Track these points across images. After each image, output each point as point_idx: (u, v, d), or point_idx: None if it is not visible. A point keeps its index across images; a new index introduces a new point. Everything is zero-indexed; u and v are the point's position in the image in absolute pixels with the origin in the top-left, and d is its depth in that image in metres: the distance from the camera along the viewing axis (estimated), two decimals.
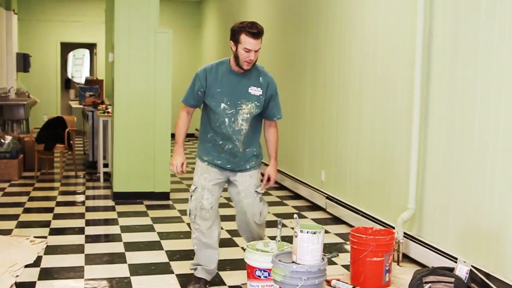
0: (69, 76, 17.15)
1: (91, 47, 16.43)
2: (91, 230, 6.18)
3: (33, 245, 5.52)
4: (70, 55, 17.09)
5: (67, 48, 16.19)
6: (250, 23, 3.97)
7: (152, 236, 5.98)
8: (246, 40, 3.93)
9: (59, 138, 9.09)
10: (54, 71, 15.11)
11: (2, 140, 8.93)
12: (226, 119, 4.08)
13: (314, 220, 6.76)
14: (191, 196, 4.23)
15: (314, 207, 7.34)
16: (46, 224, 6.38)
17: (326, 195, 7.05)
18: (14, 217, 6.65)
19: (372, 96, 5.97)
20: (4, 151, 8.81)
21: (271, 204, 7.48)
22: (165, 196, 7.60)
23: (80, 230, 6.17)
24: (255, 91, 4.11)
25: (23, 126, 11.50)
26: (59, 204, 7.40)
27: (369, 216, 5.96)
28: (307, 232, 3.50)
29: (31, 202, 7.48)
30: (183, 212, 6.89)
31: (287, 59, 8.50)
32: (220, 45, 12.88)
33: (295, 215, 3.82)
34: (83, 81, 15.35)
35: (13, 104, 10.84)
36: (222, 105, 4.06)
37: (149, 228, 6.27)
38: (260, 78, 4.17)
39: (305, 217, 6.90)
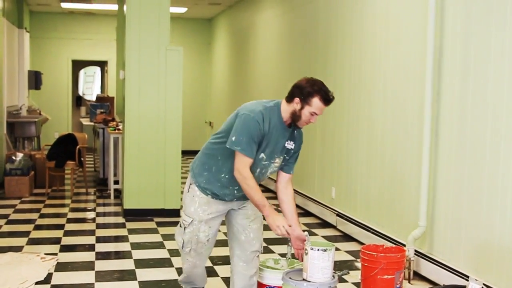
0: (80, 93, 17.24)
1: (102, 64, 16.53)
2: (101, 247, 6.19)
3: (43, 262, 5.53)
4: (81, 73, 17.20)
5: (78, 65, 16.29)
6: (325, 88, 3.58)
7: (162, 253, 5.98)
8: (318, 105, 3.54)
9: (70, 155, 9.13)
10: (65, 88, 15.19)
11: (14, 157, 8.97)
12: (258, 169, 3.69)
13: (324, 237, 6.74)
14: (184, 228, 3.78)
15: (325, 224, 7.32)
16: (56, 241, 6.39)
17: (336, 212, 7.03)
18: (25, 234, 6.67)
19: (383, 112, 5.96)
20: (16, 168, 8.86)
21: None
22: (175, 212, 7.59)
23: (91, 247, 6.17)
24: (289, 144, 3.73)
25: (35, 143, 11.55)
26: (69, 221, 7.42)
27: (379, 234, 5.93)
28: (318, 250, 3.47)
29: (42, 219, 7.50)
30: None
31: (297, 75, 8.48)
32: (231, 62, 12.93)
33: (305, 233, 3.80)
34: (94, 99, 15.42)
35: (25, 122, 10.90)
36: (262, 155, 3.64)
37: (159, 245, 6.26)
38: (295, 131, 3.77)
39: (315, 234, 6.87)
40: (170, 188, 7.60)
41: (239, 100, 11.95)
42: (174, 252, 5.97)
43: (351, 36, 6.69)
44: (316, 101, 3.52)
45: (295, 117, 3.59)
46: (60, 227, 7.06)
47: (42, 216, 7.68)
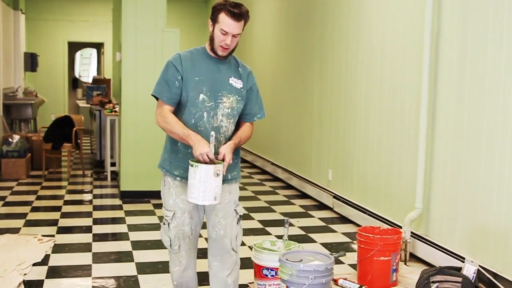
0: (77, 75, 17.20)
1: (98, 46, 16.47)
2: (98, 229, 6.20)
3: (41, 243, 5.54)
4: (78, 55, 17.15)
5: (74, 47, 16.24)
6: (234, 2, 3.31)
7: (159, 235, 5.97)
8: (224, 21, 3.27)
9: (66, 137, 9.11)
10: (61, 70, 15.15)
11: (10, 139, 8.96)
12: (205, 113, 3.35)
13: (321, 219, 6.76)
14: (168, 224, 3.49)
15: (321, 206, 7.34)
16: (54, 222, 6.40)
17: (333, 195, 7.04)
18: (22, 216, 6.68)
19: (380, 94, 5.96)
20: (12, 150, 8.85)
21: (278, 203, 7.51)
22: None
23: (88, 229, 6.19)
24: (236, 83, 3.43)
25: (31, 125, 11.53)
26: (66, 203, 7.43)
27: (376, 216, 5.95)
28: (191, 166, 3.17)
29: (39, 201, 7.50)
30: None
31: (295, 59, 8.50)
32: None
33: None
34: (90, 81, 15.40)
35: (21, 104, 10.87)
36: (201, 96, 3.34)
37: (156, 227, 6.27)
38: (240, 69, 3.49)
39: (312, 216, 6.90)
40: None
41: None
42: None
43: (348, 18, 6.67)
44: (222, 16, 3.26)
45: (211, 41, 3.35)
46: (57, 209, 7.06)
47: (39, 198, 7.68)
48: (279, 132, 9.16)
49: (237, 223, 3.56)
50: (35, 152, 9.49)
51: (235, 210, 3.54)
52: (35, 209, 7.04)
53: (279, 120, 9.12)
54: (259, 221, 6.57)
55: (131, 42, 7.41)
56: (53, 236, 5.85)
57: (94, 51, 17.11)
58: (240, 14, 3.28)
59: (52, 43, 14.95)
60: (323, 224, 6.58)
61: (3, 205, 7.20)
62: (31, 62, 12.54)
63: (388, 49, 5.81)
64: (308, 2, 7.92)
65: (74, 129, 9.13)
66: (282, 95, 9.00)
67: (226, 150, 3.26)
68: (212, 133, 3.27)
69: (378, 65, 5.99)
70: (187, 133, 3.24)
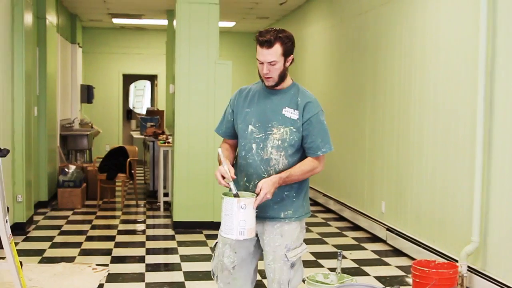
0: (131, 107, 17.52)
1: (152, 78, 16.77)
2: (151, 259, 6.25)
3: (95, 272, 5.61)
4: (132, 87, 17.49)
5: (129, 79, 16.57)
6: (266, 30, 3.18)
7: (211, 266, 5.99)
8: (257, 50, 3.18)
9: (120, 168, 9.27)
10: (116, 102, 15.45)
11: (66, 170, 9.16)
12: (254, 145, 3.24)
13: (374, 252, 6.66)
14: (213, 251, 3.48)
15: (374, 238, 7.23)
16: (107, 252, 6.48)
17: (386, 227, 6.94)
18: (77, 244, 6.79)
19: (433, 125, 5.88)
20: (68, 180, 9.04)
21: (330, 235, 7.44)
22: None
23: (141, 259, 6.24)
24: (291, 113, 3.23)
25: (86, 155, 11.78)
26: (120, 232, 7.52)
27: (431, 249, 5.83)
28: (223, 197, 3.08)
29: (93, 230, 7.62)
30: None
31: (346, 89, 8.48)
32: None
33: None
34: (144, 112, 15.65)
35: (77, 135, 11.13)
36: (250, 127, 3.26)
37: (208, 258, 6.28)
38: (298, 98, 3.28)
39: (365, 248, 6.80)
40: (219, 201, 7.56)
41: None
42: None
43: (401, 48, 6.64)
44: (257, 47, 3.18)
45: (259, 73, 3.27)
46: (111, 238, 7.16)
47: (94, 227, 7.81)
48: (330, 162, 9.11)
49: (291, 268, 3.27)
50: (90, 182, 9.68)
51: (285, 255, 3.24)
52: (90, 238, 7.15)
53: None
54: (311, 253, 6.51)
55: (184, 74, 7.53)
56: (107, 265, 5.92)
57: (148, 83, 17.43)
58: (267, 41, 3.12)
59: (108, 76, 15.29)
60: (376, 256, 6.48)
61: (59, 234, 7.33)
62: (87, 94, 12.85)
63: (441, 78, 5.75)
64: (360, 32, 7.92)
65: (128, 159, 9.28)
66: (334, 126, 8.97)
67: (265, 183, 3.07)
68: (219, 149, 3.15)
69: (432, 94, 5.92)
70: (222, 162, 3.12)
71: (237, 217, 2.97)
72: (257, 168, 3.22)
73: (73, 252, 6.45)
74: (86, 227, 7.79)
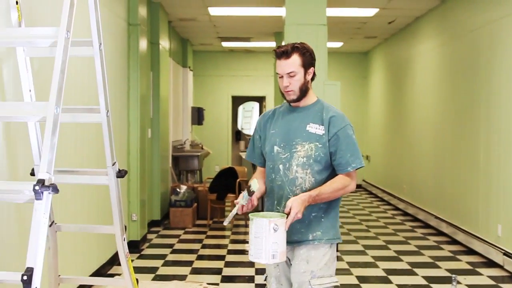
0: (239, 128, 17.80)
1: (260, 100, 16.98)
2: (260, 279, 6.27)
3: None
4: (240, 108, 17.77)
5: (237, 101, 16.86)
6: (285, 44, 3.14)
7: None
8: (276, 65, 3.14)
9: (230, 188, 9.42)
10: (225, 123, 15.74)
11: (178, 190, 9.42)
12: (281, 166, 3.13)
13: (490, 277, 6.38)
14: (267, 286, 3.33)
15: (490, 263, 6.93)
16: (218, 271, 6.58)
17: (503, 251, 6.64)
18: (189, 263, 6.94)
19: None
20: (180, 200, 9.29)
21: (443, 259, 7.20)
22: None
23: (250, 279, 6.28)
24: (316, 129, 3.10)
25: (197, 176, 12.05)
26: (230, 252, 7.62)
27: None
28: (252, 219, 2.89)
29: (203, 250, 7.77)
30: (352, 264, 6.82)
31: (458, 108, 8.23)
32: (387, 95, 12.78)
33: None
34: (252, 133, 15.84)
35: (188, 155, 11.42)
36: (275, 148, 3.16)
37: None
38: (323, 113, 3.14)
39: (480, 274, 6.53)
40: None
41: (397, 133, 11.75)
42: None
43: None
44: (276, 63, 3.13)
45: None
46: (221, 258, 7.27)
47: (204, 246, 7.95)
48: (442, 184, 8.85)
49: None
50: (201, 202, 9.90)
51: (309, 281, 3.03)
52: (200, 257, 7.29)
53: (442, 172, 8.82)
54: (423, 277, 6.33)
55: None
56: (217, 284, 6.01)
57: (256, 105, 17.66)
58: (284, 52, 3.08)
59: (217, 98, 15.62)
60: (492, 282, 6.20)
61: (171, 252, 7.53)
62: (198, 115, 13.19)
63: None
64: (473, 49, 7.68)
65: (238, 180, 9.42)
66: (445, 146, 8.72)
67: (294, 202, 2.91)
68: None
69: None
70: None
71: (269, 239, 2.79)
72: (285, 189, 3.11)
73: (184, 270, 6.60)
74: (197, 246, 7.95)
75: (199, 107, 13.52)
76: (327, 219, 3.11)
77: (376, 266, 6.86)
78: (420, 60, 10.20)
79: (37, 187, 2.53)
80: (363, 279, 6.31)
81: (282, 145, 3.14)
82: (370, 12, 9.96)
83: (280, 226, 2.79)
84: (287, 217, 2.86)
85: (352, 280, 6.24)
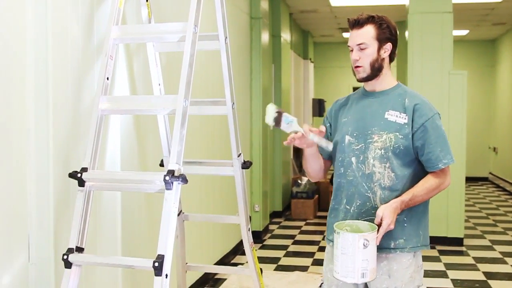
0: None
1: None
2: None
3: None
4: None
5: None
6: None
7: (445, 283, 5.80)
8: (348, 36, 2.78)
9: None
10: None
11: (299, 181, 9.47)
12: (353, 158, 2.72)
13: None
14: None
15: None
16: None
17: None
18: (310, 254, 6.97)
19: None
20: (301, 191, 9.34)
21: None
22: (458, 241, 7.32)
23: None
24: (396, 117, 2.68)
25: None
26: None
27: None
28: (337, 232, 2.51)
29: (324, 241, 7.74)
30: (478, 260, 6.60)
31: None
32: None
33: None
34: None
35: None
36: (347, 138, 2.75)
37: (442, 274, 6.08)
38: (406, 100, 2.74)
39: None
40: (453, 216, 7.36)
41: None
42: (458, 283, 5.75)
43: None
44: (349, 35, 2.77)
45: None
46: None
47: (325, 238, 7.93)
48: None
49: None
50: (322, 193, 9.90)
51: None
52: (322, 249, 7.28)
53: None
54: None
55: (417, 86, 7.39)
56: None
57: None
58: (355, 21, 2.72)
59: (338, 89, 15.49)
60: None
61: (292, 243, 7.59)
62: (318, 107, 13.16)
63: None
64: None
65: None
66: None
67: (385, 211, 2.52)
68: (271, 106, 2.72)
69: None
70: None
71: (358, 257, 2.42)
72: (359, 185, 2.70)
73: (306, 261, 6.63)
74: (318, 237, 7.96)
75: (320, 98, 13.49)
76: (410, 224, 2.71)
77: (505, 262, 6.58)
78: None
79: (167, 178, 2.63)
80: (490, 275, 6.08)
81: (355, 134, 2.73)
82: None
83: (371, 241, 2.43)
84: (378, 229, 2.50)
85: (478, 276, 6.03)
